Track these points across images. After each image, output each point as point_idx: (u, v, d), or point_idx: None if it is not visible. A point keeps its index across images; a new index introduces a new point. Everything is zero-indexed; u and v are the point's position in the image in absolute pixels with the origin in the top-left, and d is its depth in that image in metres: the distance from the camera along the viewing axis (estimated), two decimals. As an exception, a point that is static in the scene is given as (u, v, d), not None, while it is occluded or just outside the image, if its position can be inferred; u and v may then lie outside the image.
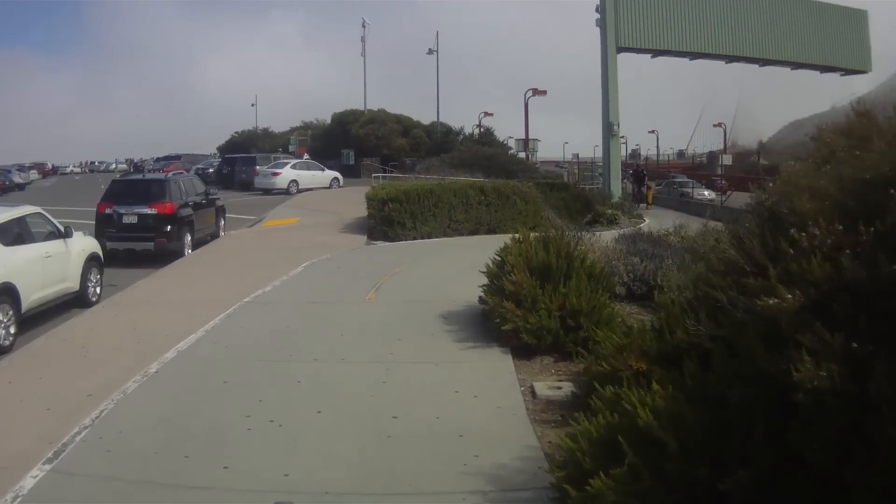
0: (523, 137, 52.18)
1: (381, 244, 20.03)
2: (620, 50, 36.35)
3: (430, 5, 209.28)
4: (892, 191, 3.84)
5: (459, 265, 15.22)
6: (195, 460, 5.84)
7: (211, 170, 56.38)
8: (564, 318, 8.56)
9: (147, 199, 18.46)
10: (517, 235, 10.45)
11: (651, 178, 50.03)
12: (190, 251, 19.07)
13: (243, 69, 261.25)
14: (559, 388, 7.44)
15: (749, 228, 6.23)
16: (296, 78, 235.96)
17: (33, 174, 72.85)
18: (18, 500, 5.32)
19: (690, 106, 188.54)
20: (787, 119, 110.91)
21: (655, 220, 26.55)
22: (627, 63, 36.29)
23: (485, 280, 10.03)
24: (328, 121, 70.77)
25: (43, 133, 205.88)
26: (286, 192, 39.94)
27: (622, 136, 43.24)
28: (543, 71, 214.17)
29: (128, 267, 16.98)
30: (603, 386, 6.37)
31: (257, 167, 44.67)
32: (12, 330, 10.57)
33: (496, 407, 6.93)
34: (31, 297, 11.37)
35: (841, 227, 4.07)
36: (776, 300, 3.83)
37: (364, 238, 21.07)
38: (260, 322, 10.51)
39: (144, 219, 18.25)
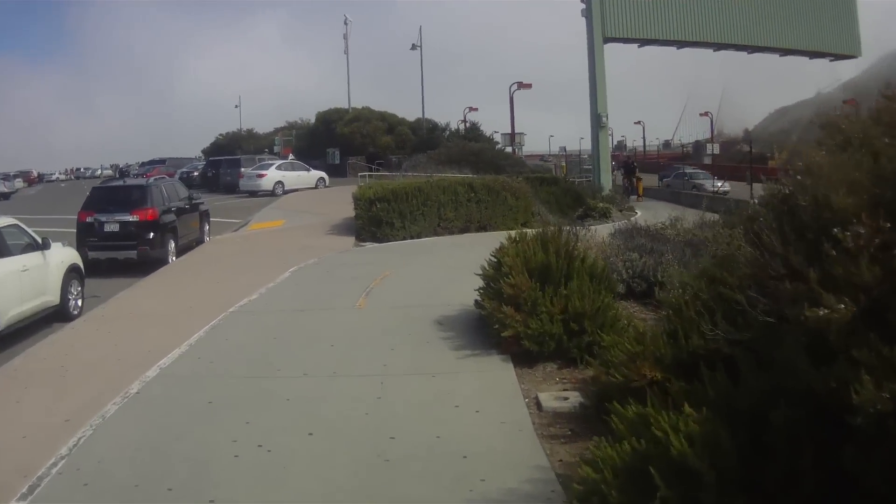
0: (509, 132, 51.74)
1: (369, 245, 19.60)
2: (607, 40, 36.03)
3: (411, 2, 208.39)
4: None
5: (452, 266, 14.82)
6: (179, 493, 5.36)
7: (196, 173, 56.05)
8: (567, 321, 8.09)
9: (128, 206, 17.95)
10: (513, 234, 10.01)
11: (648, 171, 49.64)
12: (174, 258, 18.57)
13: (226, 71, 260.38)
14: (566, 398, 6.98)
15: (765, 223, 5.82)
16: (279, 78, 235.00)
17: (18, 182, 72.35)
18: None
19: (675, 97, 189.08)
20: (771, 106, 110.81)
21: (648, 213, 26.19)
22: (611, 54, 35.87)
23: (479, 281, 9.61)
24: (312, 120, 70.36)
25: (27, 141, 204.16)
26: (272, 193, 39.55)
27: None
28: (527, 65, 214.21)
29: (111, 276, 16.52)
30: (615, 398, 5.94)
31: (242, 169, 44.16)
32: (-11, 349, 10.07)
33: (500, 422, 6.46)
34: (8, 313, 10.87)
35: (889, 225, 3.63)
36: (825, 311, 3.38)
37: (352, 239, 20.64)
38: (246, 334, 10.03)
39: (126, 226, 17.73)
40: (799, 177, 5.03)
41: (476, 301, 9.66)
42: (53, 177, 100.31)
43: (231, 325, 10.56)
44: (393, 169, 44.51)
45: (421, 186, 21.42)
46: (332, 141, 60.56)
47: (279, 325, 10.38)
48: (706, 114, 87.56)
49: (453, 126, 61.51)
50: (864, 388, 3.06)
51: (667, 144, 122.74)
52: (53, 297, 12.40)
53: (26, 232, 12.42)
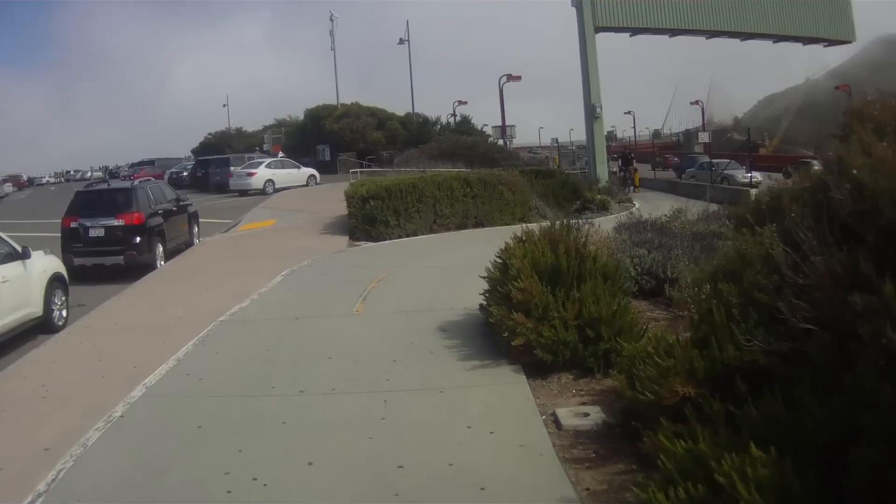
0: (500, 125, 51.17)
1: (364, 245, 19.05)
2: (598, 30, 35.52)
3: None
4: None
5: (451, 265, 14.31)
6: (166, 537, 4.81)
7: (185, 173, 55.48)
8: (582, 328, 7.55)
9: (113, 210, 17.32)
10: (519, 233, 9.46)
11: (643, 161, 49.09)
12: (162, 263, 18.00)
13: (213, 71, 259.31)
14: (586, 414, 6.44)
15: (801, 221, 5.29)
16: (266, 76, 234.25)
17: (7, 187, 72.96)
18: None
19: (661, 87, 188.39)
20: (760, 94, 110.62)
21: (646, 204, 25.77)
22: (597, 44, 35.26)
23: (481, 281, 9.12)
24: (301, 117, 69.67)
25: (16, 145, 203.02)
26: (262, 192, 39.17)
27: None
28: (515, 56, 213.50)
29: (98, 283, 15.96)
30: (643, 417, 5.42)
31: (231, 168, 43.67)
32: (-33, 368, 9.47)
33: (518, 445, 5.88)
34: (-13, 328, 10.29)
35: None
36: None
37: (346, 239, 20.10)
38: (237, 346, 9.43)
39: (112, 231, 17.11)
40: (855, 171, 4.49)
41: (481, 305, 9.13)
42: (44, 180, 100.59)
43: (221, 336, 9.97)
44: (384, 164, 44.08)
45: (416, 183, 20.91)
46: (322, 137, 60.00)
47: (272, 336, 9.81)
48: (697, 102, 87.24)
49: (444, 120, 61.12)
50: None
51: (657, 134, 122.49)
52: (36, 309, 11.82)
53: (4, 241, 11.81)
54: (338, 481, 5.40)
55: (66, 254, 16.65)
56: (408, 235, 19.78)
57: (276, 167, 42.48)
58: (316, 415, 6.82)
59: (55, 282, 12.60)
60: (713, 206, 15.65)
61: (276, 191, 39.31)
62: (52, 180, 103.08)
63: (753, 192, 27.43)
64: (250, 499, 5.21)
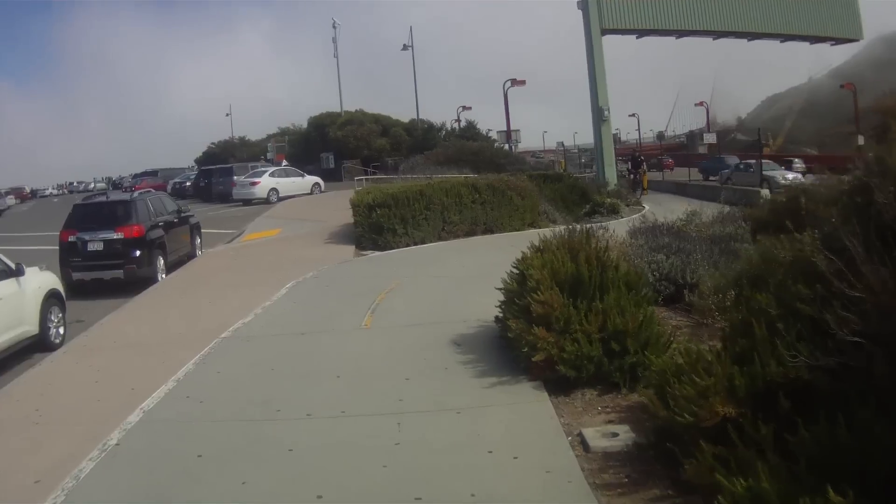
0: (504, 129, 50.83)
1: (371, 254, 18.60)
2: (605, 32, 35.09)
3: (398, 3, 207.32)
4: None
5: (461, 274, 13.85)
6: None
7: (188, 183, 55.22)
8: (606, 341, 7.08)
9: (112, 223, 16.91)
10: (533, 240, 9.00)
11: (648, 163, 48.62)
12: (164, 276, 17.58)
13: (216, 80, 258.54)
14: (615, 434, 5.96)
15: (846, 229, 4.86)
16: (269, 85, 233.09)
17: (10, 199, 73.14)
18: None
19: (663, 89, 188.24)
20: (763, 94, 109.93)
21: (657, 207, 25.36)
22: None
23: (495, 290, 8.68)
24: (305, 126, 69.50)
25: (20, 158, 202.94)
26: (266, 201, 38.96)
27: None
28: (518, 60, 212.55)
29: (97, 298, 15.61)
30: (679, 438, 4.97)
31: (235, 177, 43.41)
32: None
33: (545, 471, 5.39)
34: (-20, 348, 9.87)
35: None
36: None
37: (352, 248, 19.65)
38: (240, 365, 8.97)
39: (111, 245, 16.70)
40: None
41: (497, 317, 8.67)
42: (46, 192, 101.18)
43: (223, 354, 9.51)
44: (389, 171, 43.82)
45: (423, 189, 20.49)
46: (326, 145, 59.81)
47: (277, 353, 9.35)
48: (702, 103, 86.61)
49: (448, 126, 60.87)
50: None
51: (660, 136, 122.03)
52: (32, 327, 11.42)
53: (-3, 258, 11.41)
54: (350, 517, 4.94)
55: (65, 268, 16.32)
56: (416, 244, 19.34)
57: (279, 176, 42.22)
58: (325, 440, 6.34)
59: (51, 298, 12.19)
60: (726, 208, 15.23)
61: (280, 200, 39.03)
62: (56, 192, 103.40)
63: (765, 192, 27.06)
64: (254, 540, 4.75)
